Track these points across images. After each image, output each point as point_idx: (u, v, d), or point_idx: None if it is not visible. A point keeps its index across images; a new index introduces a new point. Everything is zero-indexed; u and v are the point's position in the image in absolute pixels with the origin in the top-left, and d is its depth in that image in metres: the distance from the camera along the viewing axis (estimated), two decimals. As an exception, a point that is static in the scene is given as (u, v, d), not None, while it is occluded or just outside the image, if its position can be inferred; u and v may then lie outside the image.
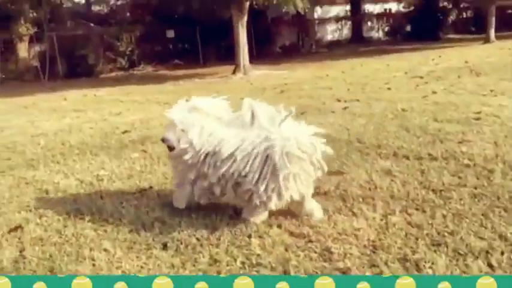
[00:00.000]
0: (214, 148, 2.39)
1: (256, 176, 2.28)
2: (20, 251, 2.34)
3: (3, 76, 18.89)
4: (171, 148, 2.50)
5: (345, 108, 5.52)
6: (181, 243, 2.26)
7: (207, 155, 2.41)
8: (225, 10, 13.29)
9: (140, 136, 4.91)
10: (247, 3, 12.65)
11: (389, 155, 3.41)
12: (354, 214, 2.45)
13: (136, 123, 5.73)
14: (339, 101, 6.19)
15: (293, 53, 20.49)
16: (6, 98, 10.77)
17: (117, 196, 3.01)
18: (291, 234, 2.29)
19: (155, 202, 2.84)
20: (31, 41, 19.65)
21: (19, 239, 2.49)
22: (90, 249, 2.27)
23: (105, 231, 2.48)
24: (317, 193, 2.75)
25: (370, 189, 2.78)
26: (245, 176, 2.30)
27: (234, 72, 12.90)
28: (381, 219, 2.36)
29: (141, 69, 19.50)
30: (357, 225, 2.31)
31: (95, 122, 6.14)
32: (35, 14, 18.88)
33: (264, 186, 2.27)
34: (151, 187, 3.13)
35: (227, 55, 19.23)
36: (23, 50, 19.48)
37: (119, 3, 25.04)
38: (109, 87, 12.02)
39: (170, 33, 20.28)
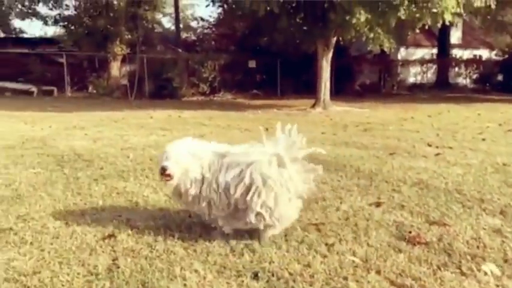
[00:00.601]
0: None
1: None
2: (113, 260, 2.36)
3: (95, 91, 20.48)
4: (168, 176, 2.54)
5: (437, 154, 5.20)
6: (273, 276, 2.16)
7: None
8: (310, 44, 13.43)
9: (224, 160, 4.94)
10: (334, 39, 12.70)
11: (495, 213, 3.09)
12: (463, 273, 2.20)
13: (220, 147, 5.81)
14: (429, 145, 5.87)
15: (373, 92, 20.18)
16: (98, 112, 11.56)
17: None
18: (392, 283, 2.10)
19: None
20: (123, 60, 21.25)
21: (112, 247, 2.53)
22: (181, 268, 2.24)
23: (195, 251, 2.45)
24: (418, 242, 2.54)
25: (478, 247, 2.51)
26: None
27: (313, 106, 12.89)
28: (497, 286, 2.10)
29: (221, 96, 20.20)
30: (468, 287, 2.07)
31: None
32: (129, 36, 20.47)
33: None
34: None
35: (305, 89, 19.40)
36: (115, 68, 21.09)
37: (205, 31, 26.33)
38: (191, 110, 12.51)
39: (252, 64, 20.92)
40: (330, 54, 12.99)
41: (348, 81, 20.79)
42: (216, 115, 11.00)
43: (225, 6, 14.55)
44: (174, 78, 19.49)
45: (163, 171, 2.55)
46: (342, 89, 19.32)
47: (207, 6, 21.67)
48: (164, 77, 19.42)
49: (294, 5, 11.95)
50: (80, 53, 20.60)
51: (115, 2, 19.58)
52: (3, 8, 22.13)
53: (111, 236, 2.68)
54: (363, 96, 17.99)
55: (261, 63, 21.05)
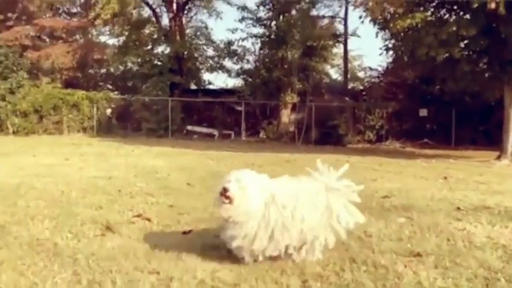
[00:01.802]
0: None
1: None
2: (303, 282, 2.47)
3: (265, 136, 22.04)
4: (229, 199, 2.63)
5: None
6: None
7: None
8: (494, 92, 12.22)
9: (402, 203, 4.78)
10: (527, 86, 11.36)
11: None
12: None
13: (395, 191, 5.63)
14: None
15: None
16: (271, 153, 12.39)
17: (390, 254, 2.92)
18: None
19: (435, 272, 2.62)
20: (293, 108, 22.49)
21: (301, 270, 2.65)
22: (372, 300, 2.22)
23: (384, 285, 2.40)
24: None
25: None
26: None
27: (498, 157, 11.54)
28: None
29: (388, 144, 19.64)
30: None
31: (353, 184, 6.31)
32: (300, 86, 21.66)
33: None
34: (427, 254, 2.92)
35: (484, 140, 17.65)
36: (285, 115, 22.44)
37: (373, 80, 26.24)
38: (358, 156, 12.45)
39: (423, 112, 20.05)
40: (520, 102, 11.60)
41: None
42: (385, 162, 10.70)
43: (399, 53, 14.35)
44: (340, 125, 19.77)
45: (224, 192, 2.65)
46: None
47: (380, 54, 21.80)
48: (330, 124, 19.88)
49: (477, 49, 11.13)
50: (254, 101, 22.59)
51: (289, 56, 21.10)
52: (197, 64, 25.88)
53: (297, 260, 2.80)
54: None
55: (432, 112, 19.99)
